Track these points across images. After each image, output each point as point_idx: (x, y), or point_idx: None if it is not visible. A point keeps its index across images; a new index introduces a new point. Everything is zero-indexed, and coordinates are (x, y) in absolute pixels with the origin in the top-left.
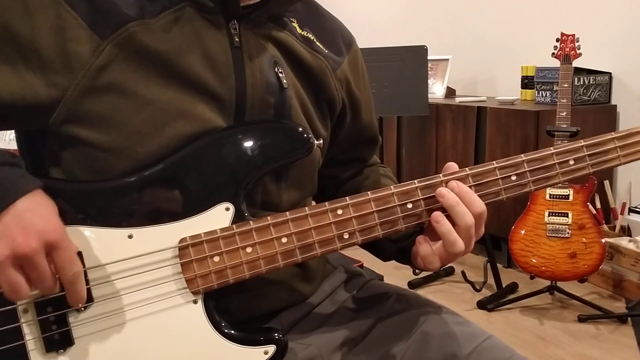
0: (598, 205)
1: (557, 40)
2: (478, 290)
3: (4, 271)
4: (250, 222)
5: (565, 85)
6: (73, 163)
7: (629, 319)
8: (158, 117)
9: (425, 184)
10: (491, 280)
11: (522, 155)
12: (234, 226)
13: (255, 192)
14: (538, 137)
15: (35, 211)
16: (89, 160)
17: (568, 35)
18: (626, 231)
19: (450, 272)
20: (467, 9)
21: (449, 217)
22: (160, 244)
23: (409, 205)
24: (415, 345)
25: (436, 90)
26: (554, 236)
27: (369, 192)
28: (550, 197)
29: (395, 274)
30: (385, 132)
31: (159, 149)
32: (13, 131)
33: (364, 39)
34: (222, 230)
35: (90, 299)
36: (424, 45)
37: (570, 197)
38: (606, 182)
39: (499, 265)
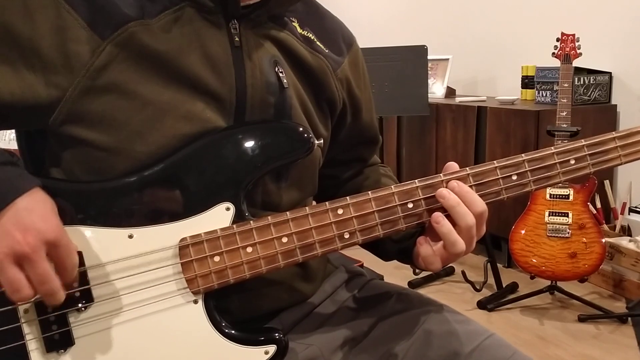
0: (598, 205)
1: (558, 40)
2: (478, 290)
3: (4, 270)
4: (251, 221)
5: (566, 85)
6: (73, 163)
7: (629, 319)
8: (158, 117)
9: (426, 183)
10: (491, 280)
11: (522, 154)
12: (234, 226)
13: (255, 192)
14: (538, 137)
15: (34, 210)
16: (89, 160)
17: (568, 35)
18: (626, 231)
19: (451, 272)
20: (467, 8)
21: (449, 217)
22: (160, 243)
23: (410, 205)
24: (417, 344)
25: (436, 90)
26: (554, 236)
27: (369, 192)
28: (550, 197)
29: (395, 274)
30: (385, 132)
31: (159, 149)
32: (13, 131)
33: (364, 39)
34: (223, 230)
35: (90, 299)
36: (424, 45)
37: (571, 197)
38: (606, 182)
39: (499, 265)
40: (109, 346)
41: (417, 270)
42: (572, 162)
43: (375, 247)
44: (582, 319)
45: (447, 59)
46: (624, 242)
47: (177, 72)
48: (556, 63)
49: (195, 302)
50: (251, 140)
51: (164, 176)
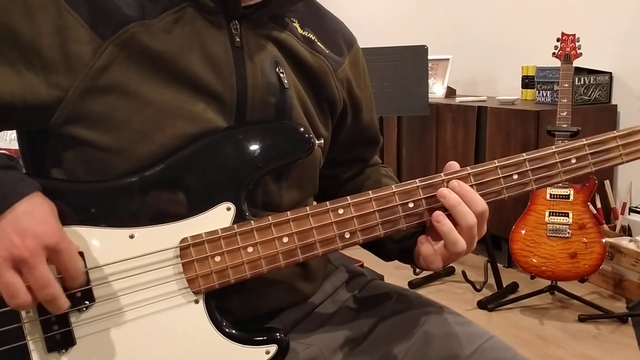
0: (598, 205)
1: (558, 40)
2: (478, 290)
3: (1, 274)
4: (252, 221)
5: (566, 85)
6: (74, 163)
7: (630, 318)
8: (159, 118)
9: (427, 183)
10: (492, 280)
11: (523, 154)
12: (235, 226)
13: (256, 192)
14: (538, 137)
15: (33, 214)
16: (90, 160)
17: (568, 35)
18: (626, 231)
19: (451, 271)
20: (467, 8)
21: (450, 217)
22: (161, 243)
23: (410, 205)
24: (417, 346)
25: (436, 90)
26: (554, 236)
27: (370, 192)
28: (550, 197)
29: (395, 274)
30: (385, 132)
31: (160, 149)
32: (14, 131)
33: (364, 39)
34: (223, 230)
35: (92, 299)
36: (424, 45)
37: (571, 197)
38: (606, 182)
39: (500, 265)
40: (110, 346)
41: (417, 270)
42: (573, 161)
43: (376, 247)
44: (582, 319)
45: (448, 59)
46: (624, 242)
47: (178, 73)
48: (556, 63)
49: (196, 302)
50: (252, 140)
51: (164, 176)
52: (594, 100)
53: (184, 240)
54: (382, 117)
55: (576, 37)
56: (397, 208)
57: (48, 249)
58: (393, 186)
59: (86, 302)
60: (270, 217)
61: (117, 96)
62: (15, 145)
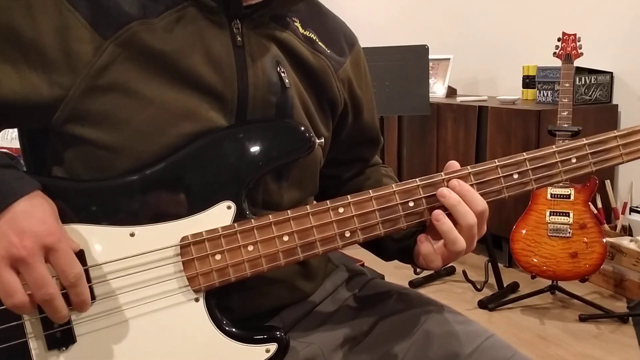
0: (599, 204)
1: (559, 39)
2: (479, 290)
3: None
4: (252, 220)
5: (567, 84)
6: (75, 162)
7: (630, 318)
8: (160, 117)
9: (427, 182)
10: (492, 279)
11: (524, 153)
12: (235, 224)
13: (256, 192)
14: (539, 137)
15: (32, 213)
16: (92, 159)
17: (569, 35)
18: (627, 231)
19: (451, 271)
20: (468, 8)
21: (450, 216)
22: (162, 242)
23: (411, 204)
24: (417, 344)
25: (437, 90)
26: (555, 236)
27: (370, 191)
28: (551, 197)
29: (395, 274)
30: (386, 131)
31: (162, 148)
32: (15, 130)
33: (365, 39)
34: (224, 228)
35: (92, 297)
36: (425, 45)
37: (572, 197)
38: (607, 182)
39: (500, 265)
40: (110, 344)
41: (418, 270)
42: (574, 160)
43: (376, 247)
44: (583, 319)
45: (448, 59)
46: (624, 241)
47: (180, 72)
48: (557, 63)
49: (197, 300)
50: (252, 139)
51: (165, 175)
52: (594, 100)
53: (184, 238)
54: (382, 117)
55: (577, 36)
56: (397, 207)
57: (46, 248)
58: (393, 185)
59: None
60: (270, 216)
61: (119, 95)
62: (16, 144)
